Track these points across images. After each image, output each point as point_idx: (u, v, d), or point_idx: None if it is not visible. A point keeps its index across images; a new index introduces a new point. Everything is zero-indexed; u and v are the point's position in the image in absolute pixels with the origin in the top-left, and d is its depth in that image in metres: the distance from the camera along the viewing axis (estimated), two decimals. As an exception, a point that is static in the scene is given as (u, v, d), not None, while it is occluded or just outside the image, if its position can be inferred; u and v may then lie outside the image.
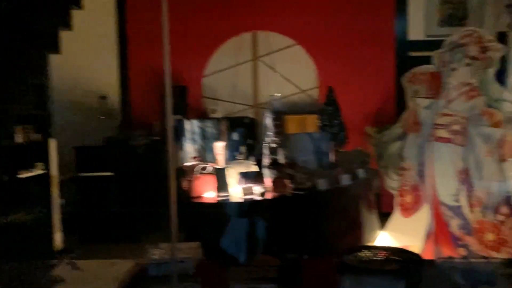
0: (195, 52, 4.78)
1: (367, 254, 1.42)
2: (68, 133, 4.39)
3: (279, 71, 4.71)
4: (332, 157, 3.23)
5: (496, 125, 3.03)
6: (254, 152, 3.28)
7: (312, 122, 3.35)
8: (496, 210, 3.02)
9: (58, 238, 3.73)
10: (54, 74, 3.98)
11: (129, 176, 4.30)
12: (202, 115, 4.62)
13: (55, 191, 3.73)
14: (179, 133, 3.96)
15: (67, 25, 3.94)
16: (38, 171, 3.58)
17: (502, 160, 3.00)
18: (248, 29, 4.74)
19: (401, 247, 1.57)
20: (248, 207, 2.65)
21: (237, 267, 1.51)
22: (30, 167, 3.54)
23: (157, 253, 1.70)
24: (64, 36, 3.97)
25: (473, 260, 1.95)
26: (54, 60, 3.92)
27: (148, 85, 4.72)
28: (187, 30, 4.75)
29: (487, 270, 1.40)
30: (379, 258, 1.40)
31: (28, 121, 3.55)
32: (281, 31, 4.68)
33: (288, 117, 3.31)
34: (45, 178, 3.65)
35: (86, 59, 4.64)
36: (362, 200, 3.32)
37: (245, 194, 2.78)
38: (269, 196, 2.78)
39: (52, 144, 3.72)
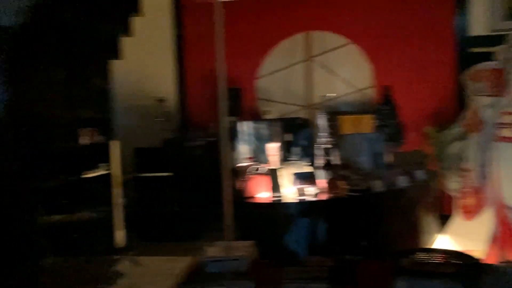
0: (249, 54, 4.83)
1: (423, 257, 1.39)
2: (129, 135, 4.57)
3: (333, 70, 4.66)
4: (388, 158, 3.16)
5: None
6: (307, 153, 3.27)
7: (367, 122, 3.29)
8: None
9: (119, 236, 3.90)
10: (116, 79, 4.16)
11: (186, 176, 4.41)
12: (256, 117, 4.66)
13: (117, 191, 3.90)
14: (233, 134, 4.02)
15: (127, 31, 4.11)
16: (101, 172, 3.77)
17: None
18: (301, 30, 4.73)
19: (459, 251, 1.51)
20: (302, 207, 2.65)
21: (291, 266, 1.52)
22: (94, 167, 3.73)
23: (213, 251, 1.74)
24: (125, 42, 4.15)
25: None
26: (115, 65, 4.10)
27: (204, 87, 4.82)
28: (242, 32, 4.81)
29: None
30: (435, 261, 1.36)
31: (92, 124, 3.74)
32: (335, 30, 4.63)
33: (342, 117, 3.26)
34: (108, 178, 3.82)
35: (145, 63, 4.81)
36: (420, 202, 3.22)
37: (299, 195, 2.79)
38: (323, 197, 2.77)
39: (114, 146, 3.89)
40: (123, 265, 1.92)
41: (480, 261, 1.38)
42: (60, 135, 3.40)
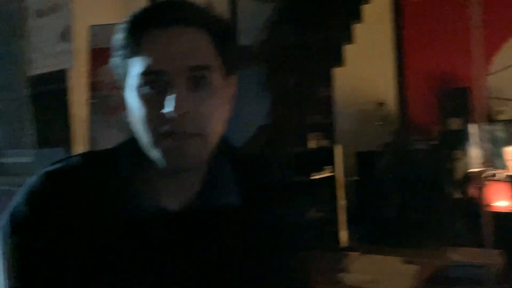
0: (478, 49, 4.46)
1: None
2: (351, 139, 4.70)
3: None
4: None
5: None
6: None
7: None
8: None
9: (343, 236, 4.04)
10: (338, 85, 4.34)
11: (407, 180, 4.31)
12: (489, 117, 4.26)
13: (340, 192, 4.06)
14: (463, 138, 3.78)
15: (350, 39, 4.25)
16: (326, 174, 3.97)
17: None
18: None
19: None
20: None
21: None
22: (320, 170, 3.96)
23: (457, 256, 1.68)
24: (347, 49, 4.30)
25: None
26: (338, 72, 4.28)
27: (425, 89, 4.65)
28: (469, 27, 4.48)
29: None
30: None
31: (318, 129, 3.99)
32: None
33: None
34: (332, 180, 4.01)
35: (366, 68, 4.89)
36: None
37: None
38: None
39: (338, 150, 4.07)
40: (360, 262, 1.99)
41: None
42: (292, 139, 3.72)
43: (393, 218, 4.31)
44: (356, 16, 4.22)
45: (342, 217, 4.04)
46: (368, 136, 4.72)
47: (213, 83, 0.73)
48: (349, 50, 4.34)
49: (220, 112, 0.76)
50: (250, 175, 0.85)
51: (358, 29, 4.45)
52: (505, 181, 2.78)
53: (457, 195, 3.70)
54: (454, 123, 4.31)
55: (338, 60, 4.13)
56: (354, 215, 4.31)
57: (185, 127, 0.70)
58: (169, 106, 0.69)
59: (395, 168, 4.36)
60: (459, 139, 3.91)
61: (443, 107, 4.45)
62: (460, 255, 1.70)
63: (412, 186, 4.25)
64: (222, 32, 0.76)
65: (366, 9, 4.59)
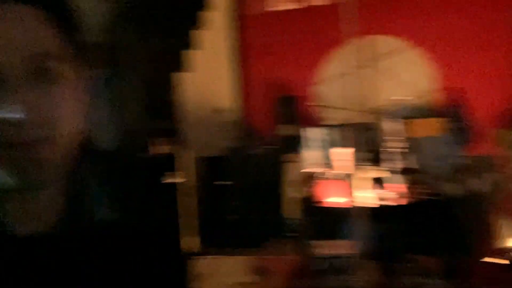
0: (306, 60, 4.88)
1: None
2: (197, 144, 4.69)
3: (399, 74, 4.63)
4: (460, 161, 3.12)
5: None
6: (376, 158, 3.27)
7: (437, 126, 3.26)
8: None
9: (194, 242, 4.03)
10: (185, 91, 4.34)
11: (249, 184, 4.49)
12: (319, 123, 4.69)
13: (187, 199, 4.05)
14: (296, 142, 4.07)
15: (189, 45, 4.27)
16: (172, 180, 3.92)
17: None
18: (365, 33, 4.71)
19: None
20: (378, 212, 2.66)
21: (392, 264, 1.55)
22: (165, 176, 3.89)
23: (317, 249, 1.79)
24: (192, 55, 4.32)
25: None
26: (185, 78, 4.28)
27: (263, 96, 4.92)
28: (297, 39, 4.88)
29: None
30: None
31: (163, 134, 3.91)
32: (399, 34, 4.61)
33: (411, 121, 3.24)
34: (176, 186, 3.97)
35: (211, 75, 4.96)
36: (494, 205, 3.15)
37: (374, 200, 2.80)
38: (398, 201, 2.77)
39: (183, 155, 4.05)
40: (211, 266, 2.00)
41: None
42: (137, 144, 3.58)
43: (238, 221, 4.46)
44: (194, 23, 4.27)
45: (194, 222, 4.03)
46: (213, 141, 4.79)
47: (59, 74, 0.59)
48: (196, 56, 4.39)
49: (71, 111, 0.60)
50: (116, 184, 0.77)
51: (205, 36, 4.51)
52: (335, 179, 3.07)
53: (295, 194, 3.98)
54: (288, 129, 4.66)
55: (177, 66, 4.12)
56: (203, 220, 4.33)
57: (26, 134, 0.55)
58: (3, 109, 0.54)
59: (237, 172, 4.51)
60: (294, 143, 4.21)
61: (278, 113, 4.78)
62: (322, 248, 1.82)
63: (253, 189, 4.45)
64: (64, 10, 0.62)
65: (211, 16, 4.69)
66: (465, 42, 4.38)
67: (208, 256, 3.64)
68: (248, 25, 5.02)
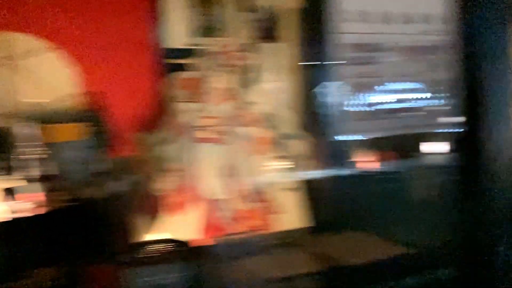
0: None
1: (148, 249, 1.47)
2: None
3: (39, 76, 4.33)
4: (101, 164, 3.16)
5: (251, 124, 3.51)
6: (8, 167, 2.94)
7: (77, 130, 3.20)
8: (255, 199, 3.48)
9: None
10: None
11: None
12: None
13: None
14: None
15: None
16: None
17: (258, 155, 3.49)
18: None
19: (173, 238, 1.66)
20: (11, 226, 2.39)
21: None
22: None
23: None
24: None
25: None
26: None
27: None
28: None
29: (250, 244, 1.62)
30: (157, 251, 1.46)
31: None
32: (40, 33, 4.31)
33: (49, 126, 3.07)
34: None
35: None
36: (134, 204, 3.34)
37: (6, 213, 2.50)
38: (35, 212, 2.56)
39: None
40: None
41: (192, 244, 1.56)
42: None
43: None
44: None
45: None
46: None
47: None
48: None
49: None
50: None
51: None
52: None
53: None
54: None
55: None
56: None
57: None
58: None
59: None
60: None
61: None
62: None
63: None
64: None
65: None
66: (106, 45, 4.49)
67: None
68: None
